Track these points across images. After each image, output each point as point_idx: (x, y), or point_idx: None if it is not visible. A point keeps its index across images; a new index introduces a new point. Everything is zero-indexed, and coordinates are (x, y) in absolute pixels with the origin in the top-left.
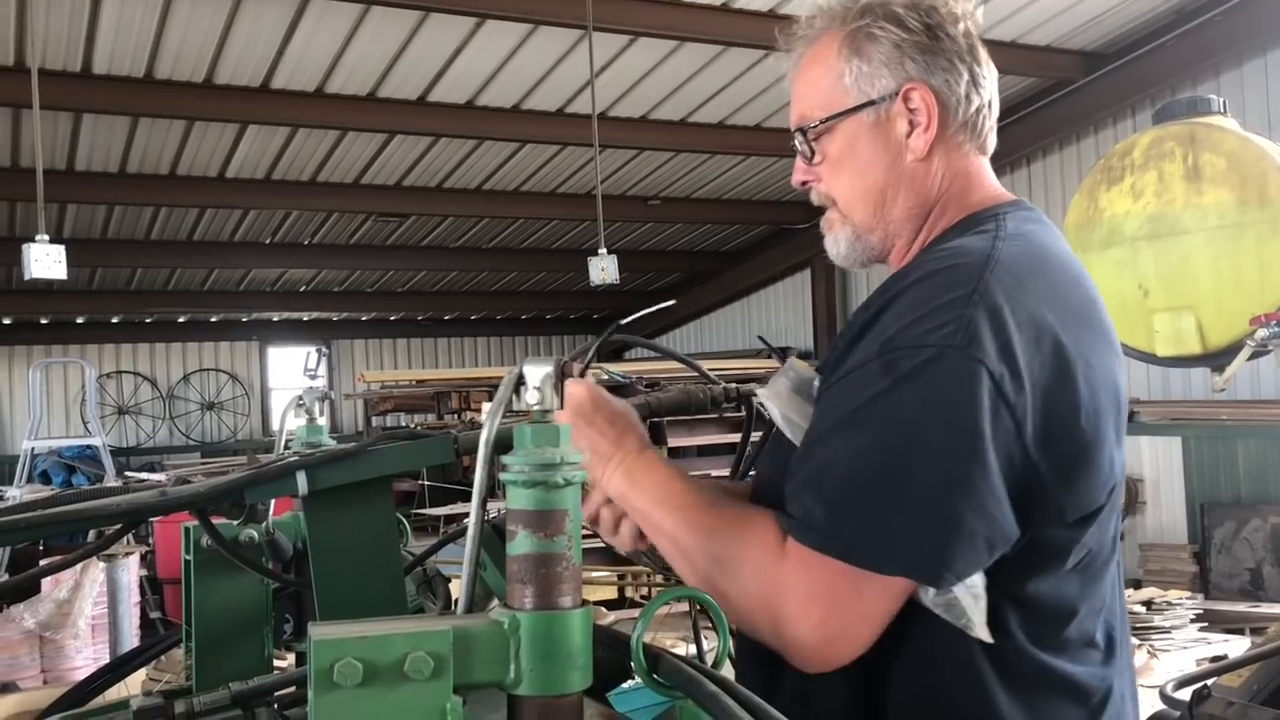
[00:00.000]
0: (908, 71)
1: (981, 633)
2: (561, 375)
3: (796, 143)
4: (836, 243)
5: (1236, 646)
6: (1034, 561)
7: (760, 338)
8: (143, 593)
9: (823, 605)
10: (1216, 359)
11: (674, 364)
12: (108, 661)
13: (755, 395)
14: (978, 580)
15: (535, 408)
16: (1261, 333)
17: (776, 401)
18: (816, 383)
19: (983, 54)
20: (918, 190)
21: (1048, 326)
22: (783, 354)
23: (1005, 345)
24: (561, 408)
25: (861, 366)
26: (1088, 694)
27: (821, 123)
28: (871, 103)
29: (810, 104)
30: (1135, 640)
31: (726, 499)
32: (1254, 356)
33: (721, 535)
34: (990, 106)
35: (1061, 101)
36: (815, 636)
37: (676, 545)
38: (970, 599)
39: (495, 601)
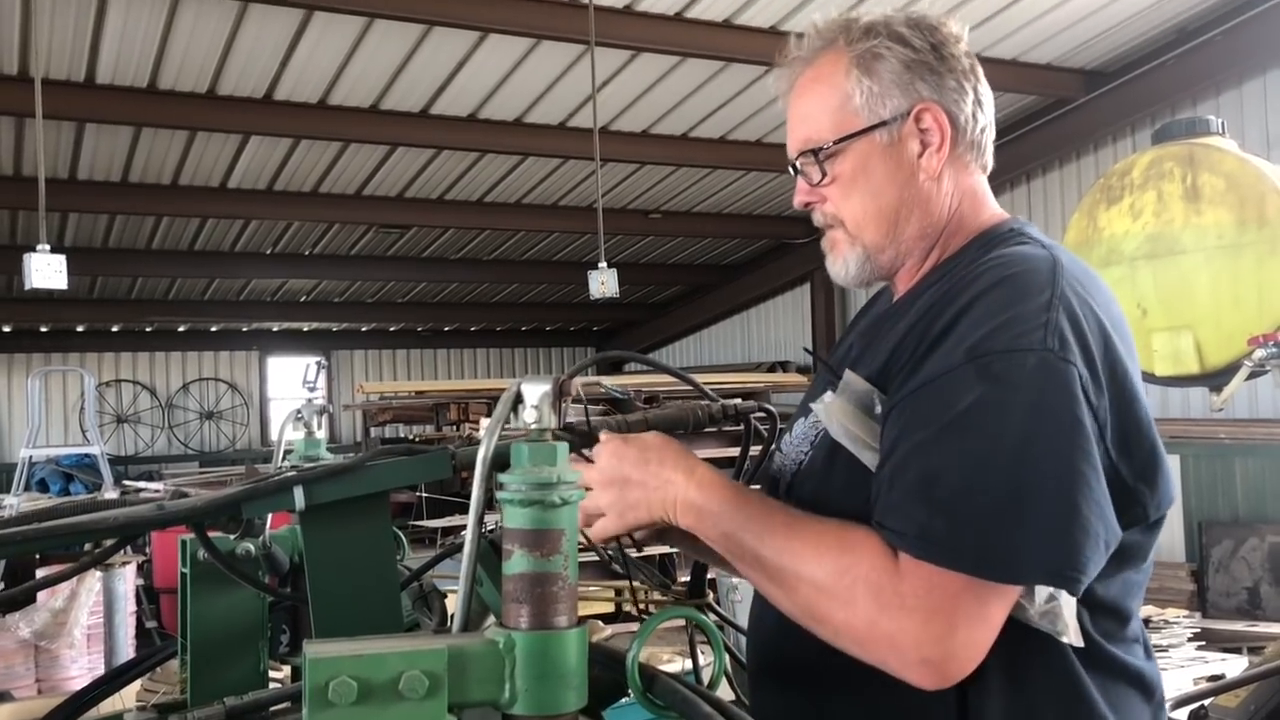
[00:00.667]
0: (919, 91)
1: (1074, 638)
2: (560, 393)
3: (799, 164)
4: (846, 264)
5: (1234, 666)
6: (1115, 564)
7: (806, 349)
8: (139, 602)
9: (947, 620)
10: (1214, 379)
11: (672, 377)
12: (103, 672)
13: (759, 409)
14: None
15: (533, 426)
16: (1259, 353)
17: (839, 417)
18: (877, 396)
19: (981, 72)
20: (930, 210)
21: (1109, 335)
22: (829, 365)
23: (1085, 349)
24: (560, 425)
25: (949, 373)
26: (1153, 686)
27: (834, 144)
28: (883, 123)
29: (818, 126)
30: None
31: (801, 513)
32: (1252, 376)
33: (820, 558)
34: (991, 124)
35: (1062, 119)
36: (938, 652)
37: (767, 572)
38: (1067, 605)
39: (491, 618)
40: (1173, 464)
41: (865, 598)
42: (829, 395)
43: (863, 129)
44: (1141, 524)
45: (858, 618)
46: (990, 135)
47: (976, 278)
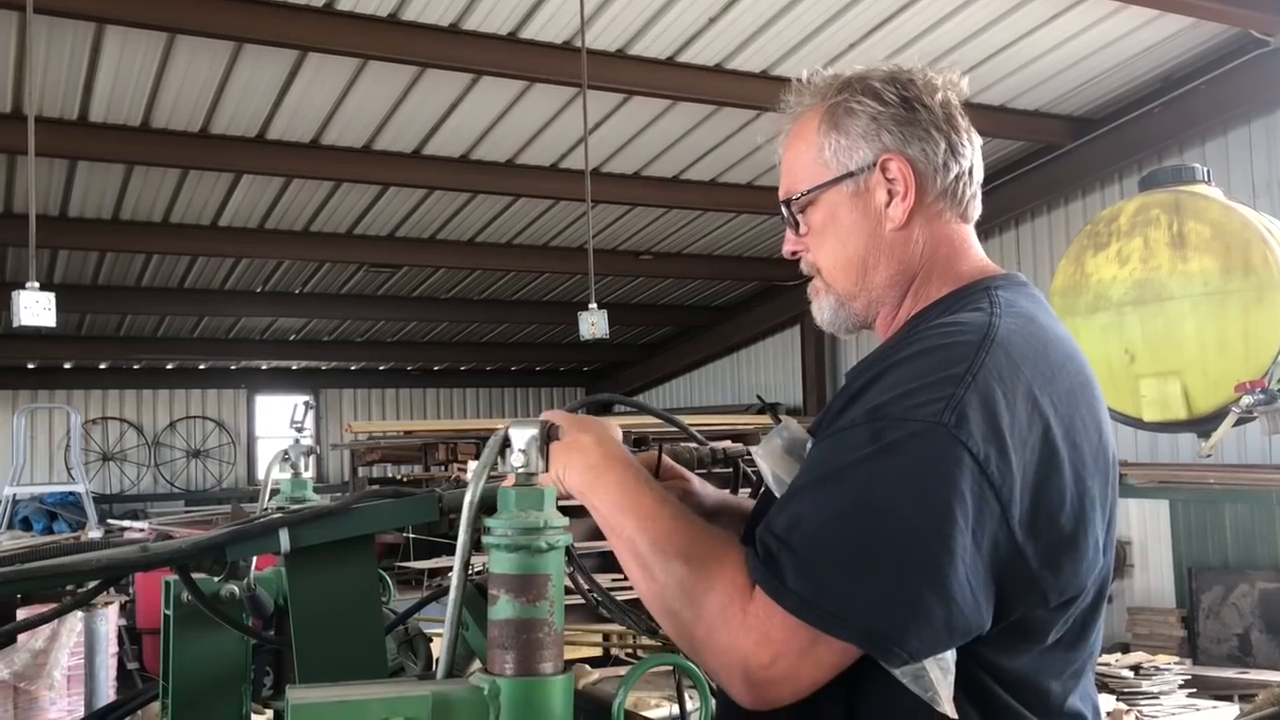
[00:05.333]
0: (884, 143)
1: (948, 708)
2: (547, 437)
3: (784, 215)
4: (821, 310)
5: (1225, 714)
6: (1012, 641)
7: (759, 396)
8: (121, 644)
9: (776, 649)
10: (1202, 425)
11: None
12: (83, 716)
13: (748, 453)
14: (948, 655)
15: (520, 470)
16: (1247, 399)
17: (769, 460)
18: (809, 444)
19: (962, 122)
20: (898, 258)
21: (1040, 410)
22: (775, 411)
23: (995, 428)
24: (547, 470)
25: (849, 429)
26: None
27: (804, 195)
28: (850, 174)
29: (795, 178)
30: (1124, 705)
31: (691, 516)
32: (1239, 423)
33: (689, 558)
34: (970, 174)
35: (1049, 165)
36: (761, 676)
37: (638, 555)
38: (938, 672)
39: (476, 663)
40: (1161, 508)
41: (714, 605)
42: (767, 439)
43: (830, 180)
44: (1042, 607)
45: (702, 622)
46: (970, 184)
47: (910, 344)
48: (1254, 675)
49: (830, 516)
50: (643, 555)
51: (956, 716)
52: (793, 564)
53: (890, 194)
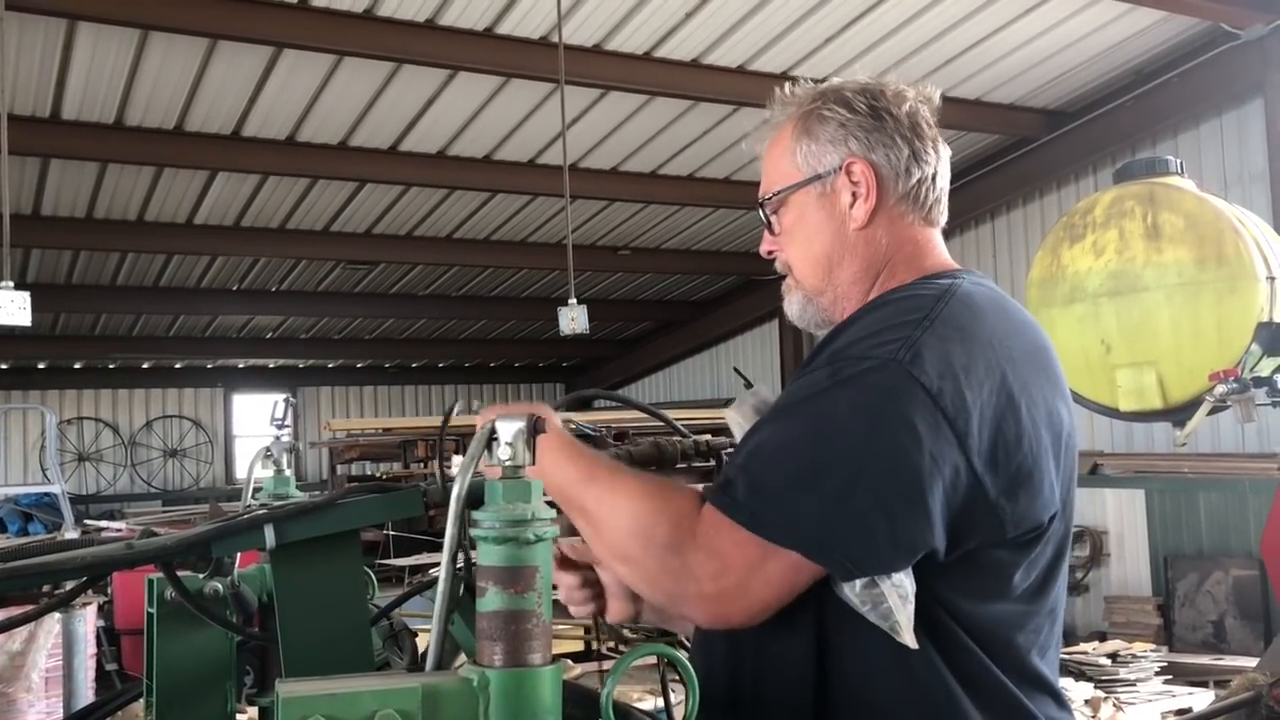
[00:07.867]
0: (850, 148)
1: (908, 638)
2: (534, 430)
3: (760, 215)
4: (791, 305)
5: (1201, 700)
6: (977, 579)
7: (736, 369)
8: (99, 644)
9: (725, 563)
10: (1177, 414)
11: (641, 413)
12: (63, 716)
13: (730, 446)
14: (905, 582)
15: (507, 463)
16: (1221, 388)
17: (742, 421)
18: None
19: (928, 132)
20: (862, 256)
21: (995, 357)
22: (746, 377)
23: (949, 365)
24: (534, 464)
25: (811, 372)
26: None
27: (774, 195)
28: (818, 177)
29: (770, 180)
30: (1101, 693)
31: (633, 470)
32: (1214, 411)
33: (634, 501)
34: (933, 180)
35: (1024, 158)
36: (712, 588)
37: (589, 517)
38: (897, 599)
39: (462, 656)
40: (1137, 498)
41: (663, 534)
42: (739, 401)
43: (800, 182)
44: (999, 540)
45: (652, 555)
46: (933, 189)
47: (872, 305)
48: (1228, 661)
49: (783, 441)
50: (593, 516)
51: (916, 645)
52: (746, 483)
53: (854, 196)
